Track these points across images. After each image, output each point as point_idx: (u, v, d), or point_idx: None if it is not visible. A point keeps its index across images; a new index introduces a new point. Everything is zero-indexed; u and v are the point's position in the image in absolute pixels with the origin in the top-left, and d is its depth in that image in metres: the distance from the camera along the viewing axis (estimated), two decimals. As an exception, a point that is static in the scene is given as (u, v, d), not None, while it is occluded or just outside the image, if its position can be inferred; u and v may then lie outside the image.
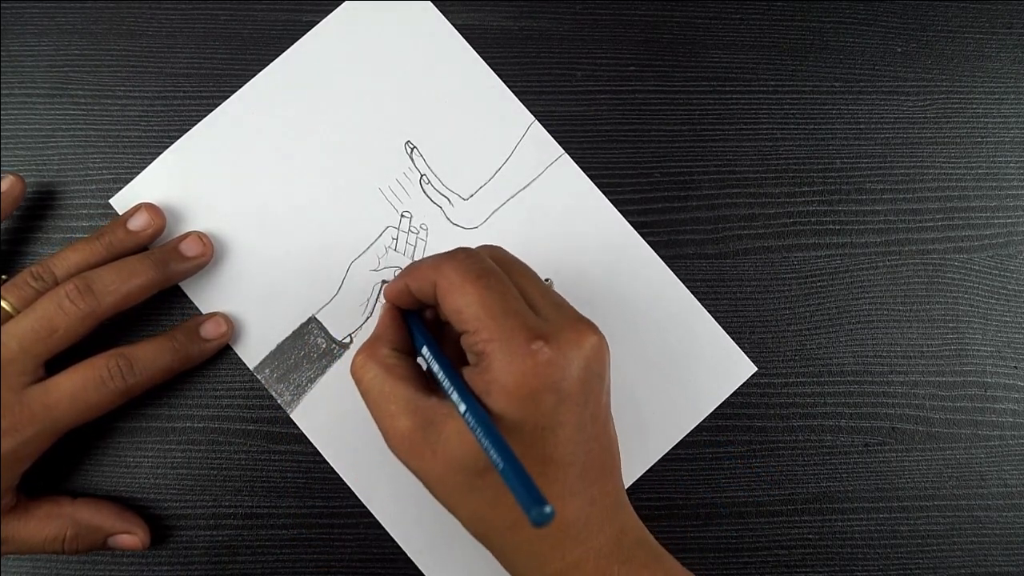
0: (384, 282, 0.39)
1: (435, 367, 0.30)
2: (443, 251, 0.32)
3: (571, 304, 0.33)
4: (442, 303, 0.30)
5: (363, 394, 0.31)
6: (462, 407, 0.28)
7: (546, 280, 0.34)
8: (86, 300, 0.33)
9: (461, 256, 0.30)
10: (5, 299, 0.33)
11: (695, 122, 0.41)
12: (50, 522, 0.34)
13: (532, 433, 0.28)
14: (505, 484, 0.26)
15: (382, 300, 0.37)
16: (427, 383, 0.31)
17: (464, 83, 0.40)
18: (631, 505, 0.33)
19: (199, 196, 0.39)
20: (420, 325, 0.33)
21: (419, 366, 0.32)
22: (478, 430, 0.27)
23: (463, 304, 0.29)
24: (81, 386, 0.33)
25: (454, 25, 0.41)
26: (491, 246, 0.33)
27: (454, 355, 0.32)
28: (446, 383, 0.29)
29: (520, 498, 0.25)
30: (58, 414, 0.33)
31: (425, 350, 0.31)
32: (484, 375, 0.29)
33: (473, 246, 0.33)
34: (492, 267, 0.30)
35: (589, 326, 0.30)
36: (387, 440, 0.30)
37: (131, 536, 0.35)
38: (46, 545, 0.34)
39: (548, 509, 0.24)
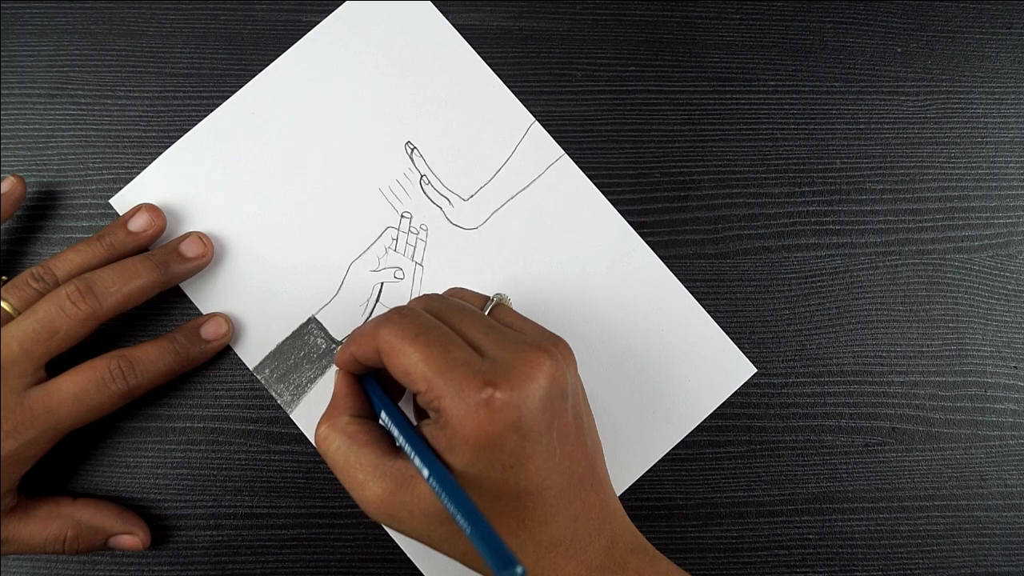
0: (383, 284, 0.39)
1: (395, 432, 0.30)
2: (378, 315, 0.31)
3: (524, 320, 0.33)
4: (389, 367, 0.30)
5: (330, 464, 0.31)
6: (425, 472, 0.28)
7: (495, 296, 0.34)
8: (87, 302, 0.33)
9: (395, 318, 0.30)
10: (6, 300, 0.33)
11: (695, 122, 0.41)
12: (51, 522, 0.34)
13: (502, 474, 0.28)
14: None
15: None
16: (392, 444, 0.31)
17: (464, 83, 0.40)
18: (623, 510, 0.33)
19: (199, 196, 0.39)
20: (376, 388, 0.33)
21: (383, 429, 0.32)
22: (443, 495, 0.27)
23: (408, 365, 0.29)
24: (83, 388, 0.33)
25: (454, 25, 0.41)
26: (424, 297, 0.33)
27: (417, 412, 0.32)
28: (407, 448, 0.29)
29: (490, 562, 0.24)
30: (59, 416, 0.33)
31: (383, 415, 0.31)
32: (444, 431, 0.29)
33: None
34: (429, 322, 0.30)
35: (539, 351, 0.30)
36: (363, 507, 0.30)
37: (131, 536, 0.36)
38: (47, 545, 0.34)
39: (520, 570, 0.24)
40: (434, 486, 0.27)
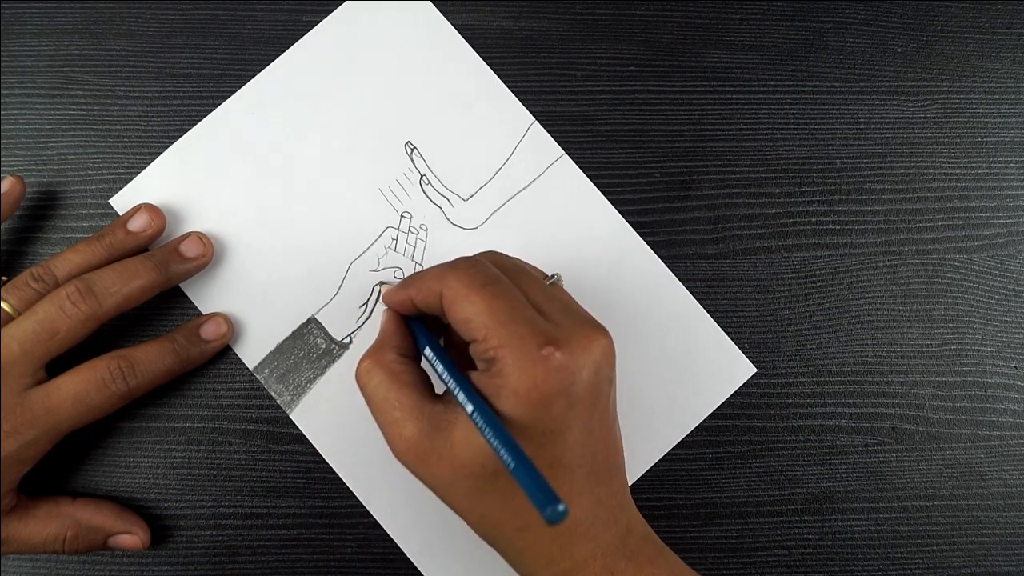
0: (382, 283, 0.39)
1: (439, 368, 0.30)
2: (444, 262, 0.31)
3: (577, 303, 0.33)
4: (449, 314, 0.30)
5: (367, 400, 0.31)
6: (469, 407, 0.28)
7: (552, 276, 0.34)
8: (87, 302, 0.33)
9: (463, 266, 0.30)
10: (5, 300, 0.33)
11: (695, 122, 0.41)
12: (50, 522, 0.34)
13: (541, 437, 0.28)
14: (517, 484, 0.26)
15: (382, 307, 0.37)
16: (433, 390, 0.31)
17: (464, 83, 0.40)
18: (634, 503, 0.33)
19: (199, 196, 0.39)
20: (423, 328, 0.33)
21: (425, 373, 0.32)
22: (487, 430, 0.27)
23: (471, 313, 0.29)
24: (83, 388, 0.33)
25: (454, 25, 0.41)
26: (492, 252, 0.33)
27: (459, 362, 0.32)
28: (451, 384, 0.29)
29: (533, 497, 0.25)
30: (59, 417, 0.33)
31: (429, 352, 0.31)
32: (495, 379, 0.28)
33: (473, 253, 0.33)
34: (496, 274, 0.30)
35: (598, 329, 0.30)
36: (392, 447, 0.30)
37: (131, 536, 0.36)
38: (46, 545, 0.34)
39: (562, 507, 0.24)
40: (477, 421, 0.27)
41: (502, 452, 0.26)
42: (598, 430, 0.30)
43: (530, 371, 0.28)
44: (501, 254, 0.33)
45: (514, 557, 0.31)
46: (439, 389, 0.31)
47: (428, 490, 0.31)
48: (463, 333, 0.30)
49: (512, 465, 0.26)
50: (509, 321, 0.28)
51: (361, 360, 0.31)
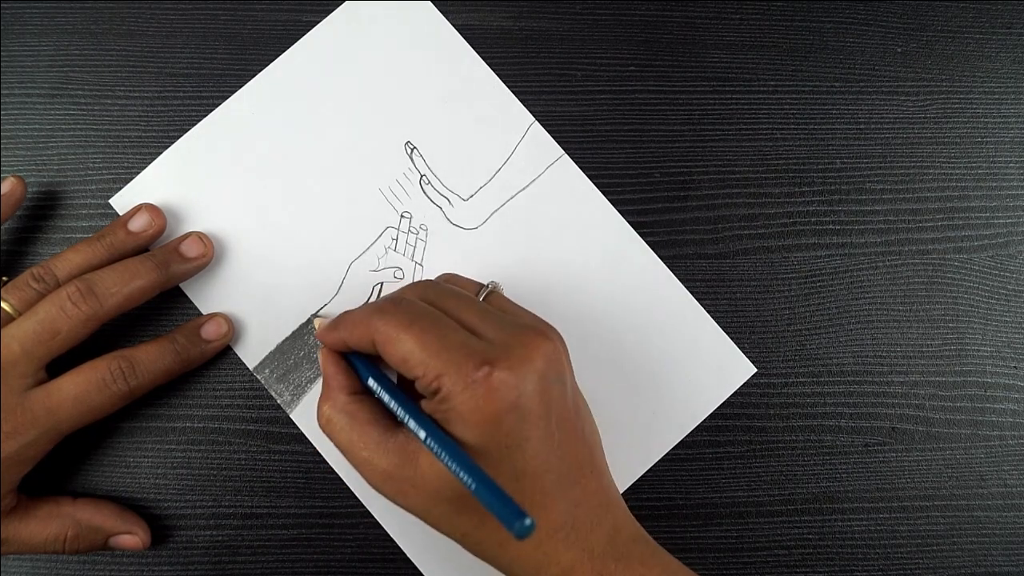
0: (382, 284, 0.39)
1: (386, 398, 0.30)
2: (371, 303, 0.32)
3: (519, 307, 0.33)
4: (385, 357, 0.30)
5: (335, 445, 0.32)
6: (422, 434, 0.28)
7: (489, 285, 0.34)
8: (88, 303, 0.33)
9: (389, 308, 0.30)
10: (6, 301, 0.33)
11: (695, 122, 0.41)
12: (51, 522, 0.34)
13: (499, 454, 0.29)
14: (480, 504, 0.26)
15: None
16: (393, 420, 0.31)
17: (464, 83, 0.40)
18: (624, 502, 0.33)
19: (199, 196, 0.39)
20: (363, 361, 0.33)
21: (380, 405, 0.32)
22: (443, 454, 0.27)
23: (405, 352, 0.29)
24: (83, 389, 0.33)
25: (454, 25, 0.41)
26: (417, 284, 0.33)
27: (413, 391, 0.32)
28: (400, 412, 0.29)
29: (499, 515, 0.24)
30: (60, 417, 0.33)
31: (372, 383, 0.31)
32: (442, 406, 0.29)
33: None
34: (423, 309, 0.30)
35: (537, 334, 0.30)
36: (371, 484, 0.31)
37: (132, 536, 0.36)
38: (47, 545, 0.34)
39: (528, 521, 0.24)
40: (432, 446, 0.27)
41: (461, 474, 0.26)
42: (558, 433, 0.30)
43: (471, 394, 0.28)
44: (428, 283, 0.33)
45: (505, 567, 0.31)
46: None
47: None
48: (403, 372, 0.30)
49: (473, 486, 0.25)
50: (442, 350, 0.29)
51: (318, 408, 0.32)
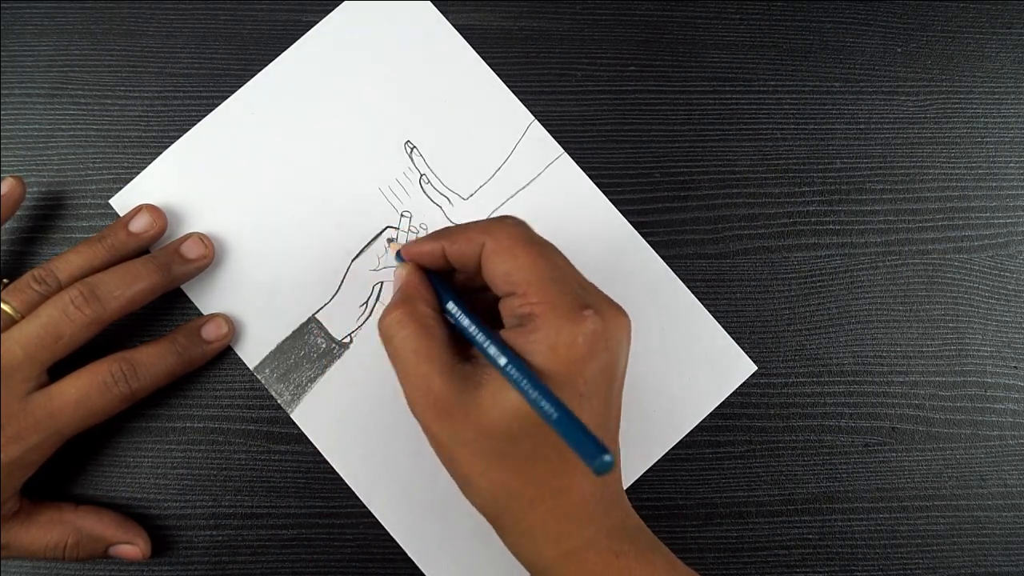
0: (383, 283, 0.39)
1: (465, 322, 0.29)
2: (484, 218, 0.31)
3: None
4: (489, 265, 0.30)
5: (393, 352, 0.30)
6: (502, 360, 0.27)
7: None
8: (91, 306, 0.33)
9: (511, 221, 0.31)
10: (7, 303, 0.33)
11: (695, 122, 0.41)
12: (52, 529, 0.34)
13: (570, 398, 0.28)
14: (559, 436, 0.25)
15: (394, 264, 0.35)
16: (460, 348, 0.30)
17: (464, 83, 0.40)
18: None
19: (199, 196, 0.39)
20: (444, 284, 0.32)
21: (454, 331, 0.31)
22: (523, 382, 0.26)
23: (513, 267, 0.29)
24: (85, 392, 0.33)
25: (454, 25, 0.41)
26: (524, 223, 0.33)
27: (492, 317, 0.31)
28: (480, 337, 0.28)
29: (580, 447, 0.24)
30: (62, 421, 0.33)
31: (452, 307, 0.30)
32: (530, 335, 0.28)
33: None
34: (540, 236, 0.31)
35: (622, 308, 0.30)
36: (414, 401, 0.29)
37: (132, 547, 0.35)
38: (47, 552, 0.34)
39: (608, 457, 0.23)
40: (512, 374, 0.27)
41: (543, 403, 0.25)
42: (614, 404, 0.30)
43: (570, 329, 0.28)
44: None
45: (519, 534, 0.30)
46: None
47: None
48: (499, 287, 0.29)
49: (554, 415, 0.25)
50: (551, 280, 0.29)
51: (388, 311, 0.30)
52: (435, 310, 0.31)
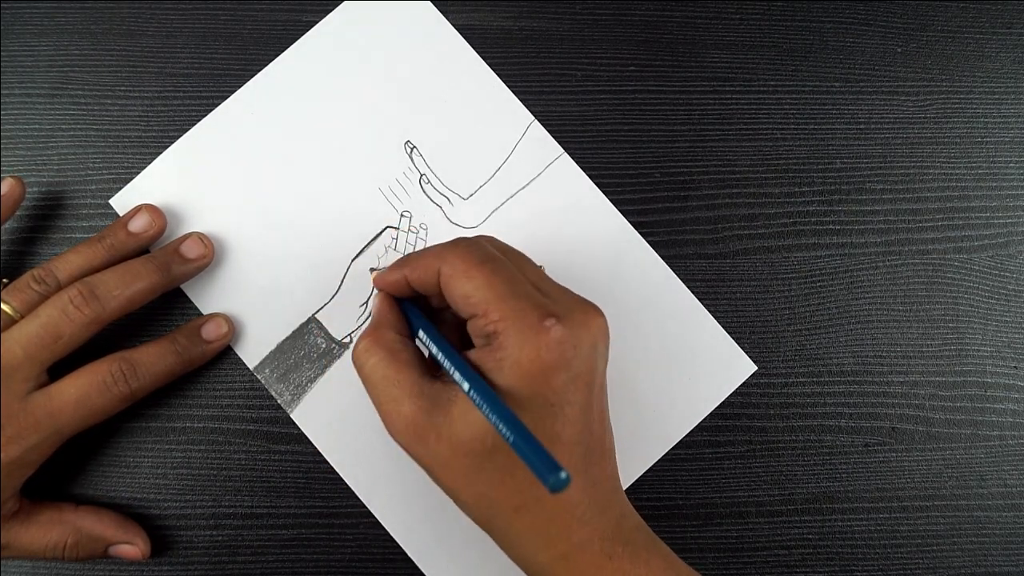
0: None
1: (434, 349, 0.30)
2: (438, 243, 0.32)
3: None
4: (447, 290, 0.30)
5: (365, 379, 0.31)
6: (465, 385, 0.28)
7: (539, 266, 0.34)
8: (91, 306, 0.33)
9: (463, 244, 0.31)
10: (7, 303, 0.33)
11: (695, 122, 0.41)
12: (52, 528, 0.34)
13: (541, 410, 0.28)
14: (515, 461, 0.25)
15: (374, 292, 0.37)
16: (430, 369, 0.31)
17: (464, 83, 0.40)
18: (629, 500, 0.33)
19: (199, 196, 0.39)
20: (416, 310, 0.33)
21: (422, 353, 0.32)
22: (484, 406, 0.27)
23: (470, 289, 0.29)
24: (85, 392, 0.33)
25: (454, 25, 0.41)
26: (488, 236, 0.33)
27: (454, 342, 0.32)
28: (447, 362, 0.29)
29: (534, 467, 0.24)
30: (62, 420, 0.33)
31: (422, 334, 0.31)
32: (495, 353, 0.29)
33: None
34: (494, 252, 0.31)
35: (594, 307, 0.30)
36: (390, 426, 0.30)
37: (131, 547, 0.35)
38: (47, 552, 0.34)
39: (564, 475, 0.24)
40: (474, 397, 0.27)
41: (500, 426, 0.26)
42: (594, 409, 0.30)
43: (533, 342, 0.28)
44: (497, 239, 0.33)
45: (511, 541, 0.31)
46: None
47: (429, 488, 0.31)
48: (461, 309, 0.30)
49: (511, 438, 0.25)
50: (509, 296, 0.29)
51: (359, 340, 0.31)
52: (403, 335, 0.32)
